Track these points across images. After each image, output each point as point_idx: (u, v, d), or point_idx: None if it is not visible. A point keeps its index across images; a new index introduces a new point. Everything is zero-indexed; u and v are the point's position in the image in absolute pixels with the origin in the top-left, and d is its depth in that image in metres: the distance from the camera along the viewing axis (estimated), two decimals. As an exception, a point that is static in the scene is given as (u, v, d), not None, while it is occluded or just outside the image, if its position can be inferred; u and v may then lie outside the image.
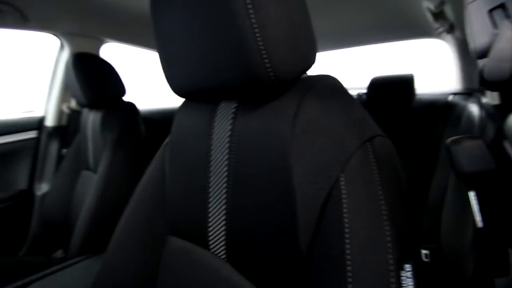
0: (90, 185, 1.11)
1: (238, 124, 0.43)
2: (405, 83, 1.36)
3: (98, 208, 1.01)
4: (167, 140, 0.57)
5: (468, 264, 0.69)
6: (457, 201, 0.93)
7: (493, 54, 0.35)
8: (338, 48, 1.81)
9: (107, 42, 1.46)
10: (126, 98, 1.23)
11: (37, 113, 1.45)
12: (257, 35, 0.34)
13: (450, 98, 1.33)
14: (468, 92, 1.29)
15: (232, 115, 0.44)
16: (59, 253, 1.29)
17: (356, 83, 1.78)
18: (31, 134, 1.41)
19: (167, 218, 0.54)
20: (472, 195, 0.58)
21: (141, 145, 1.16)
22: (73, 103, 1.45)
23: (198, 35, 0.40)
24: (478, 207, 0.58)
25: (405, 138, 1.32)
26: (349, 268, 0.30)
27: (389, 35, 1.52)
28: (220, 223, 0.45)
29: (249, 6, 0.34)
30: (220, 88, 0.42)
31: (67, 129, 1.46)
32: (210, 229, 0.46)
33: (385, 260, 0.30)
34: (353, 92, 1.69)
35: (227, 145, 0.44)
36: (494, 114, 0.78)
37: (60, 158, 1.42)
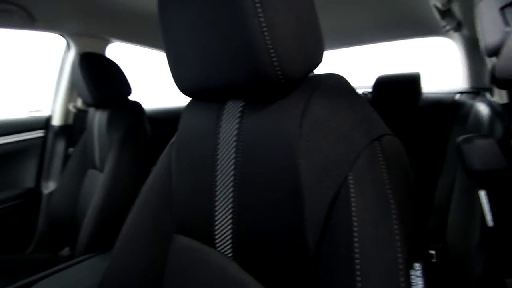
0: (96, 183, 1.12)
1: (245, 123, 0.43)
2: (411, 81, 1.35)
3: (104, 207, 1.02)
4: (173, 139, 0.57)
5: (475, 264, 0.69)
6: (464, 201, 0.92)
7: (504, 52, 0.35)
8: (344, 47, 1.80)
9: (112, 42, 1.47)
10: (131, 97, 1.24)
11: (44, 113, 1.47)
12: (266, 34, 0.34)
13: (457, 96, 1.31)
14: (476, 91, 1.27)
15: (239, 114, 0.44)
16: (65, 251, 1.30)
17: (361, 82, 1.77)
18: (38, 133, 1.42)
19: (173, 216, 0.54)
20: (483, 194, 0.58)
21: (147, 144, 1.17)
22: (79, 103, 1.47)
23: (205, 34, 0.40)
24: (489, 206, 0.57)
25: (411, 137, 1.31)
26: (357, 266, 0.30)
27: (395, 33, 1.51)
28: (226, 221, 0.45)
29: (258, 5, 0.34)
30: (227, 87, 0.42)
31: (73, 128, 1.47)
32: (216, 227, 0.46)
33: (394, 259, 0.29)
34: (358, 91, 1.67)
35: (234, 144, 0.44)
36: (502, 113, 0.78)
37: (66, 157, 1.43)
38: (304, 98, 0.38)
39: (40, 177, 1.42)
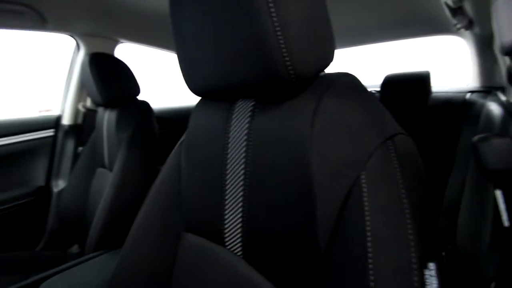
0: (105, 182, 1.14)
1: (256, 122, 0.43)
2: (420, 80, 1.33)
3: (113, 205, 1.03)
4: (182, 138, 0.57)
5: (487, 266, 0.68)
6: (474, 202, 0.91)
7: None
8: (354, 46, 1.78)
9: (121, 42, 1.49)
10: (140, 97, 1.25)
11: (54, 112, 1.49)
12: (278, 33, 0.34)
13: (468, 96, 1.29)
14: (487, 90, 1.25)
15: (249, 113, 0.44)
16: (74, 248, 1.32)
17: (369, 81, 1.75)
18: (49, 133, 1.44)
19: (183, 215, 0.55)
20: (499, 193, 0.57)
21: (155, 143, 1.17)
22: (88, 102, 1.48)
23: (217, 33, 0.40)
24: (505, 206, 0.56)
25: (420, 137, 1.29)
26: (371, 266, 0.30)
27: (405, 32, 1.49)
28: (236, 220, 0.45)
29: (271, 5, 0.34)
30: (238, 87, 0.42)
31: (83, 127, 1.49)
32: (226, 226, 0.46)
33: (408, 259, 0.29)
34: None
35: (244, 143, 0.44)
36: None
37: (76, 156, 1.45)
38: (316, 97, 0.38)
39: (50, 175, 1.44)
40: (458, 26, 1.10)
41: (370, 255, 0.30)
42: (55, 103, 1.51)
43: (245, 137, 0.44)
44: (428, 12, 1.18)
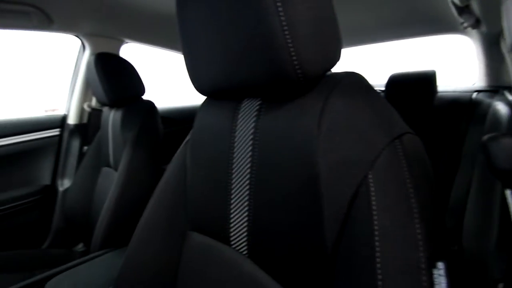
0: (111, 181, 1.14)
1: (262, 122, 0.43)
2: (426, 80, 1.32)
3: (118, 204, 1.04)
4: (188, 137, 0.57)
5: (493, 266, 0.67)
6: (481, 202, 0.90)
7: None
8: (360, 45, 1.77)
9: (127, 42, 1.50)
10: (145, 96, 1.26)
11: (59, 112, 1.50)
12: (286, 32, 0.34)
13: (474, 95, 1.28)
14: (494, 89, 1.24)
15: (255, 113, 0.44)
16: (80, 247, 1.33)
17: (374, 80, 1.74)
18: (54, 132, 1.46)
19: (188, 214, 0.55)
20: (508, 193, 0.57)
21: (160, 142, 1.18)
22: (94, 102, 1.49)
23: (224, 33, 0.40)
24: None
25: (426, 136, 1.28)
26: (378, 265, 0.29)
27: (411, 31, 1.47)
28: (242, 219, 0.45)
29: (279, 4, 0.34)
30: (244, 86, 0.42)
31: (88, 127, 1.50)
32: (232, 225, 0.46)
33: (417, 258, 0.29)
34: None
35: (251, 142, 0.44)
36: None
37: (81, 155, 1.46)
38: (322, 96, 0.38)
39: (55, 174, 1.46)
40: (465, 25, 1.09)
41: (378, 254, 0.30)
42: (60, 103, 1.52)
43: (251, 137, 0.44)
44: (435, 11, 1.17)
